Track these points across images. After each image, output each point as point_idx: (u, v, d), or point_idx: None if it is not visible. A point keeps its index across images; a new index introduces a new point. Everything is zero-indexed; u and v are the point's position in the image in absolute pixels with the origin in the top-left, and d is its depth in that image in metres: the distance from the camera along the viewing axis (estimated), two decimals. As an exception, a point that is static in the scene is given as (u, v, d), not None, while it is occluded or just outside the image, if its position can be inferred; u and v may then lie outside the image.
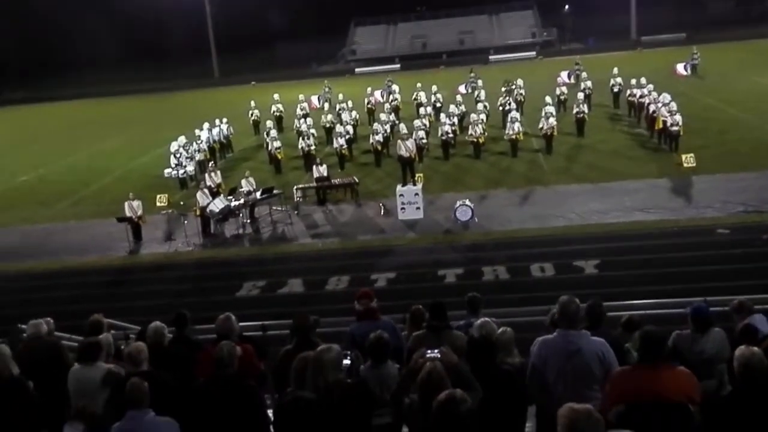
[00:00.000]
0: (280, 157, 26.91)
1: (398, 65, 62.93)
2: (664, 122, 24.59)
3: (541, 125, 26.15)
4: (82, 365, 6.83)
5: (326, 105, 35.36)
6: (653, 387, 5.35)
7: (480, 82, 35.03)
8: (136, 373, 6.18)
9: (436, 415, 4.45)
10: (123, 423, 5.56)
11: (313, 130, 27.81)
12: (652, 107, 26.23)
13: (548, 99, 28.15)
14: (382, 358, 6.34)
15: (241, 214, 20.68)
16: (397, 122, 29.40)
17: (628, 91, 30.44)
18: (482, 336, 6.56)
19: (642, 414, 5.29)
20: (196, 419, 6.07)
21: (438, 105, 32.06)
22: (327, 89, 39.73)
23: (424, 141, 25.89)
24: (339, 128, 27.56)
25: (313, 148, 26.37)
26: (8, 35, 72.92)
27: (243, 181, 21.89)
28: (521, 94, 32.49)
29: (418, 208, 20.06)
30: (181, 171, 25.85)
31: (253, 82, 59.87)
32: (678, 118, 24.12)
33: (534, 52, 64.19)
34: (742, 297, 7.74)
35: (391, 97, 34.50)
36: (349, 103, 31.90)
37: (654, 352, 5.49)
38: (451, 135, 26.55)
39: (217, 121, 30.79)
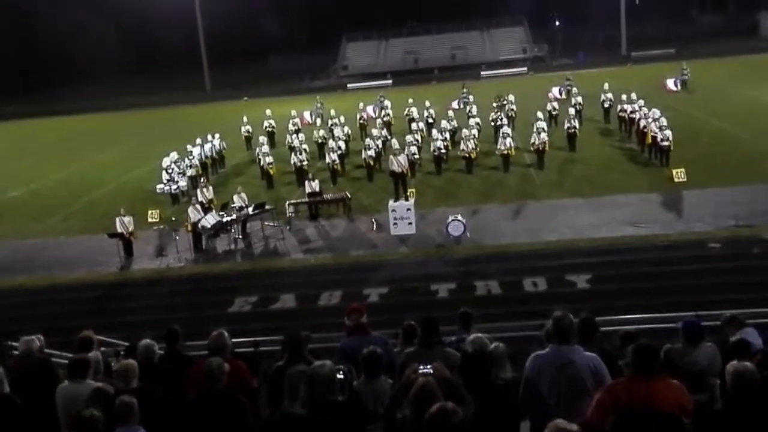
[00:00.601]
0: (272, 172, 26.92)
1: (390, 81, 63.14)
2: (654, 137, 24.75)
3: (532, 140, 26.26)
4: (70, 382, 6.79)
5: (318, 120, 35.41)
6: (646, 398, 5.36)
7: (471, 98, 35.14)
8: (126, 390, 6.14)
9: (428, 427, 4.44)
10: None
11: (305, 146, 27.85)
12: (642, 122, 26.40)
13: (539, 114, 28.31)
14: (375, 373, 6.33)
15: (233, 230, 20.65)
16: (389, 137, 29.47)
17: (619, 106, 30.62)
18: (476, 351, 6.56)
19: (635, 424, 5.29)
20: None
21: (430, 120, 32.15)
22: (319, 105, 39.82)
23: (416, 156, 25.95)
24: (331, 143, 27.62)
25: (305, 163, 26.38)
26: (2, 51, 72.88)
27: (235, 197, 21.87)
28: (513, 109, 32.65)
29: (410, 223, 20.07)
30: (173, 186, 25.82)
31: (245, 98, 59.90)
32: (668, 132, 24.28)
33: (525, 68, 64.56)
34: (734, 311, 7.77)
35: (383, 112, 34.59)
36: (341, 118, 31.98)
37: (647, 365, 5.50)
38: (443, 150, 26.64)
39: (209, 137, 30.80)
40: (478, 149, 26.75)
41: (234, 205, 21.41)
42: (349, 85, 63.89)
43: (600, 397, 5.58)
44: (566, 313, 6.06)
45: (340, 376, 6.02)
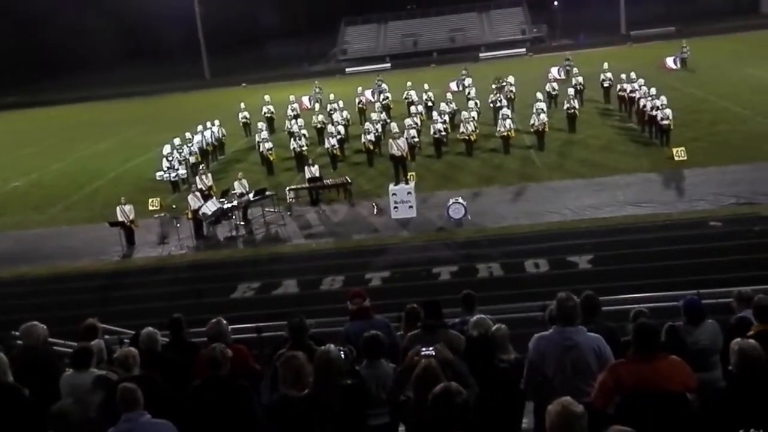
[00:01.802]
0: (271, 158, 26.86)
1: (389, 64, 62.84)
2: (654, 116, 24.66)
3: (532, 121, 26.17)
4: (74, 371, 6.80)
5: (317, 105, 35.31)
6: (649, 378, 5.37)
7: (469, 80, 34.83)
8: (128, 377, 6.16)
9: (432, 408, 4.45)
10: (119, 426, 5.53)
11: (304, 131, 27.78)
12: (642, 102, 26.28)
13: (539, 95, 28.21)
14: (376, 356, 6.35)
15: (233, 216, 20.65)
16: (388, 121, 29.38)
17: (619, 86, 30.48)
18: (481, 334, 6.56)
19: (640, 404, 5.31)
20: (190, 422, 6.06)
21: (429, 103, 32.04)
22: (317, 89, 39.68)
23: (416, 139, 25.89)
24: (330, 128, 27.53)
25: (304, 148, 26.32)
26: (2, 42, 72.59)
27: (236, 183, 21.87)
28: (512, 91, 32.48)
29: (411, 206, 20.06)
30: (173, 174, 25.78)
31: (243, 84, 59.74)
32: (668, 112, 24.20)
33: (524, 49, 64.23)
34: (740, 288, 7.75)
35: (381, 96, 34.46)
36: (340, 103, 31.87)
37: (649, 344, 5.50)
38: (443, 133, 26.56)
39: (209, 124, 30.73)
40: (477, 131, 26.67)
41: (234, 191, 21.40)
42: (347, 70, 63.64)
43: (603, 379, 5.59)
44: (570, 295, 6.06)
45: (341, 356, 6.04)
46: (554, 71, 36.09)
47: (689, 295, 7.47)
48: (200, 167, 25.29)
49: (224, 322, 7.36)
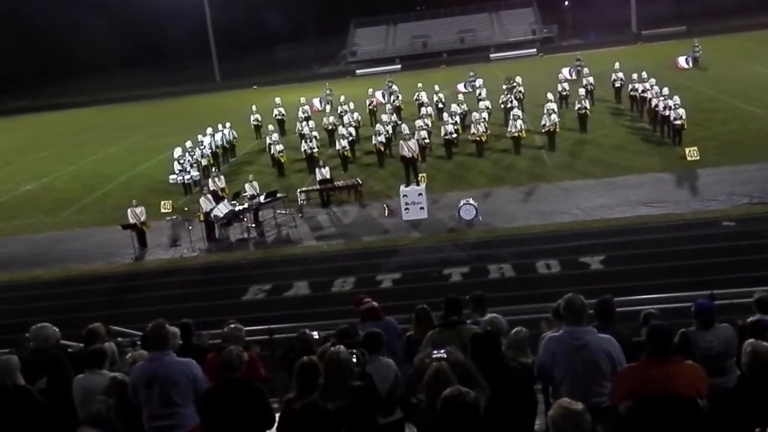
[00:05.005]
0: (282, 160, 26.92)
1: (399, 66, 62.84)
2: (667, 116, 24.53)
3: (543, 122, 26.09)
4: (87, 373, 6.82)
5: (328, 107, 35.32)
6: (661, 381, 5.32)
7: (479, 81, 34.75)
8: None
9: (443, 411, 4.45)
10: (145, 364, 5.90)
11: (315, 133, 27.83)
12: (654, 101, 26.15)
13: (550, 95, 28.11)
14: (376, 350, 6.41)
15: (245, 219, 20.70)
16: (399, 122, 29.37)
17: (630, 86, 30.33)
18: (486, 330, 6.53)
19: (651, 408, 5.27)
20: (207, 423, 6.10)
21: (440, 105, 32.02)
22: (328, 91, 39.71)
23: (427, 141, 25.87)
24: (341, 130, 27.56)
25: (315, 150, 26.35)
26: (9, 45, 73.19)
27: (247, 186, 21.91)
28: (520, 91, 32.33)
29: (422, 207, 20.04)
30: (187, 177, 25.85)
31: (254, 86, 59.88)
32: (681, 111, 24.07)
33: (534, 49, 64.06)
34: (754, 288, 7.68)
35: (392, 97, 34.46)
36: (351, 104, 31.88)
37: (661, 347, 5.46)
38: (453, 134, 26.54)
39: (220, 126, 30.83)
40: (488, 132, 26.61)
41: (246, 193, 21.44)
42: (357, 71, 63.69)
43: (617, 382, 5.56)
44: (577, 295, 6.03)
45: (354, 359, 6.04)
46: (565, 72, 35.95)
47: (701, 298, 7.39)
48: (212, 169, 25.35)
49: (241, 327, 7.46)
